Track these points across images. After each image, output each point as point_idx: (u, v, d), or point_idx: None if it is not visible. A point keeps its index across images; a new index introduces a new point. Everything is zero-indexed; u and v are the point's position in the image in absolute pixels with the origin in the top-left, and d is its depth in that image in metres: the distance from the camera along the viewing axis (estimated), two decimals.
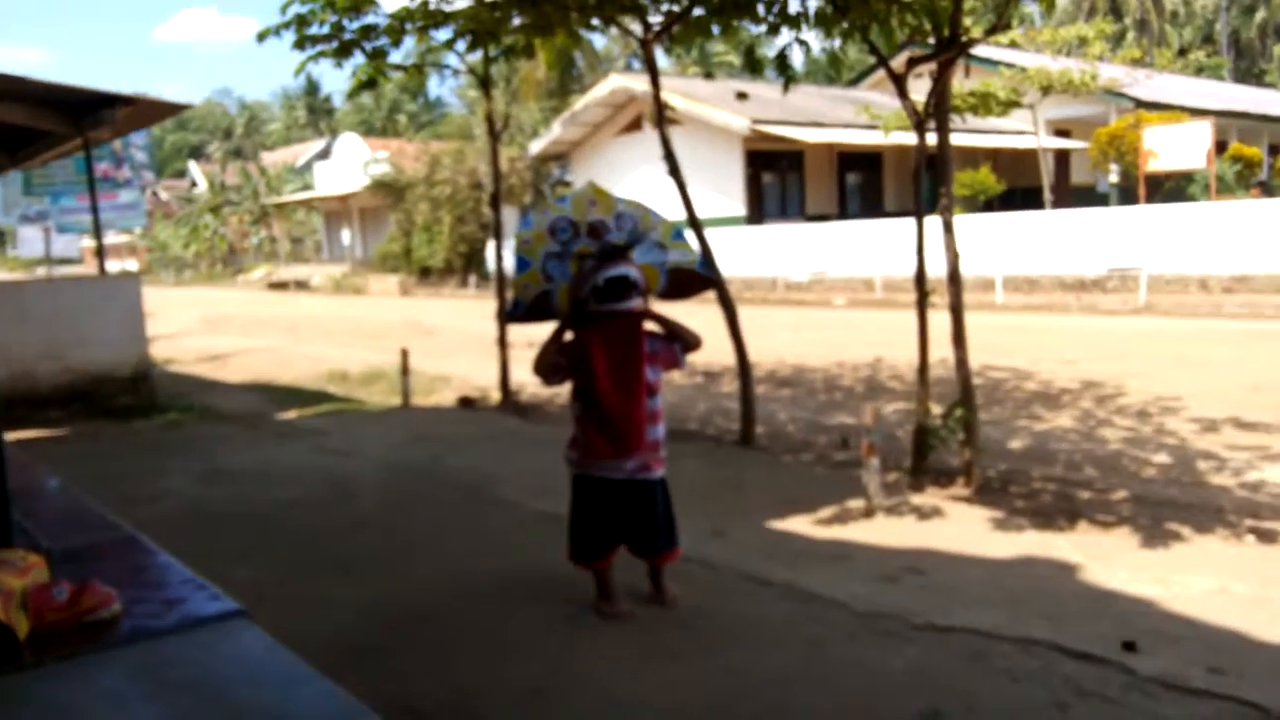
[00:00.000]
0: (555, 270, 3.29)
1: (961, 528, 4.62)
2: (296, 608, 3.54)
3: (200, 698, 2.21)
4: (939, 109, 5.67)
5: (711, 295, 6.76)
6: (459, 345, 13.53)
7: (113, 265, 13.26)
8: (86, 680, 2.32)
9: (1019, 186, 25.07)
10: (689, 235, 3.54)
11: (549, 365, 3.30)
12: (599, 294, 3.17)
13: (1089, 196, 25.07)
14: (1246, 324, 13.02)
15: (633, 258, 3.30)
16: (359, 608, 3.55)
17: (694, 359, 10.83)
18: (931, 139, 5.73)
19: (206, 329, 18.90)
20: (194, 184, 52.98)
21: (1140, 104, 24.43)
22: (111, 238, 37.34)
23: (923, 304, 5.78)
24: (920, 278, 5.78)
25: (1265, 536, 4.43)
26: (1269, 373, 9.02)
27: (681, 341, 3.44)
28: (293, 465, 6.05)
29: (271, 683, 2.31)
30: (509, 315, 3.30)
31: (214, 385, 11.17)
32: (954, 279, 5.66)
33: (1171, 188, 21.61)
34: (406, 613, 3.48)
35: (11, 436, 2.85)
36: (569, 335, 3.31)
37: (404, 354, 8.90)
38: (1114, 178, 23.39)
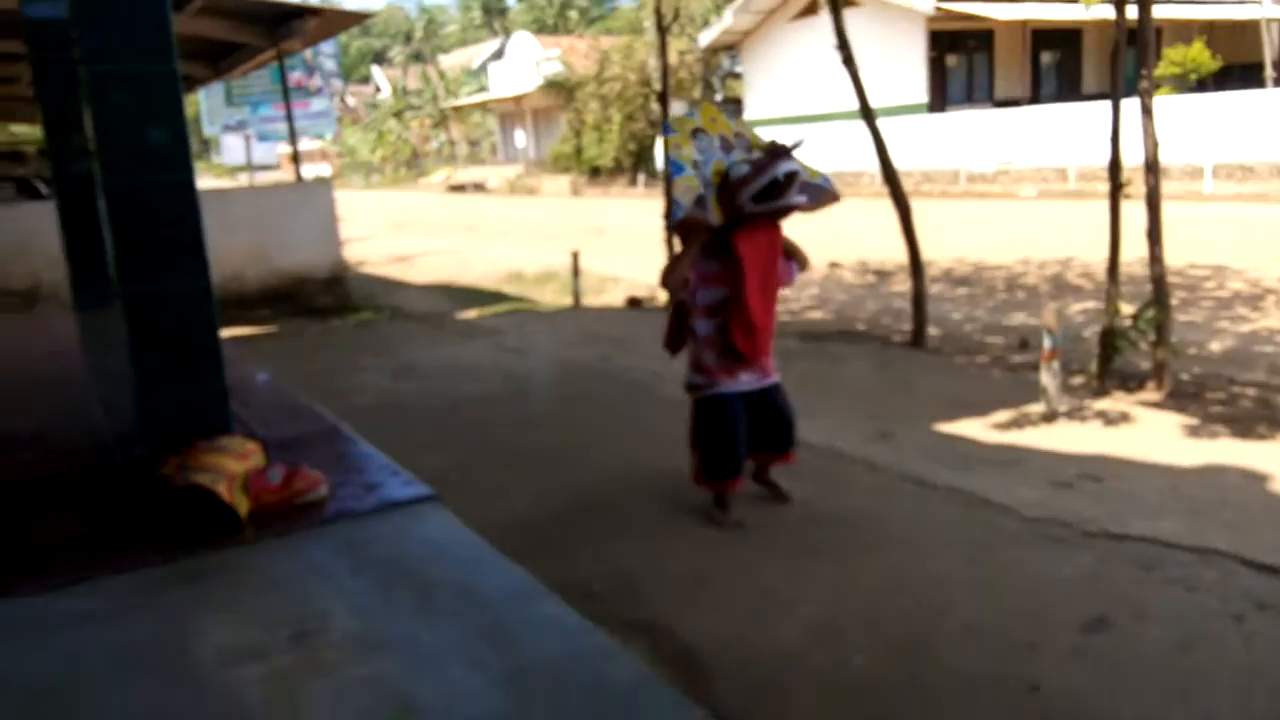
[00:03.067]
0: (701, 179, 3.25)
1: (1147, 434, 4.40)
2: (478, 495, 3.80)
3: (397, 573, 2.46)
4: None
5: (881, 191, 6.55)
6: (627, 244, 13.71)
7: (307, 171, 14.04)
8: (298, 554, 2.62)
9: (1237, 63, 22.54)
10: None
11: (680, 279, 3.29)
12: (769, 190, 3.13)
13: None
14: None
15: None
16: (533, 496, 3.77)
17: (867, 258, 10.61)
18: (1133, 13, 5.25)
19: (393, 231, 19.90)
20: (378, 89, 55.01)
21: None
22: (305, 144, 39.45)
23: (1115, 195, 5.41)
24: (1114, 167, 5.40)
25: None
26: None
27: (796, 260, 3.45)
28: (473, 362, 6.39)
29: (459, 561, 2.54)
30: (672, 220, 3.30)
31: (401, 286, 11.82)
32: (1152, 168, 5.25)
33: None
34: (577, 503, 3.68)
35: (225, 334, 3.17)
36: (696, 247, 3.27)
37: (574, 256, 9.12)
38: None
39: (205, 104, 23.99)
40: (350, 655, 2.08)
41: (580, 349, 6.69)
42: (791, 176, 3.15)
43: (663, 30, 8.75)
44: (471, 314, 8.81)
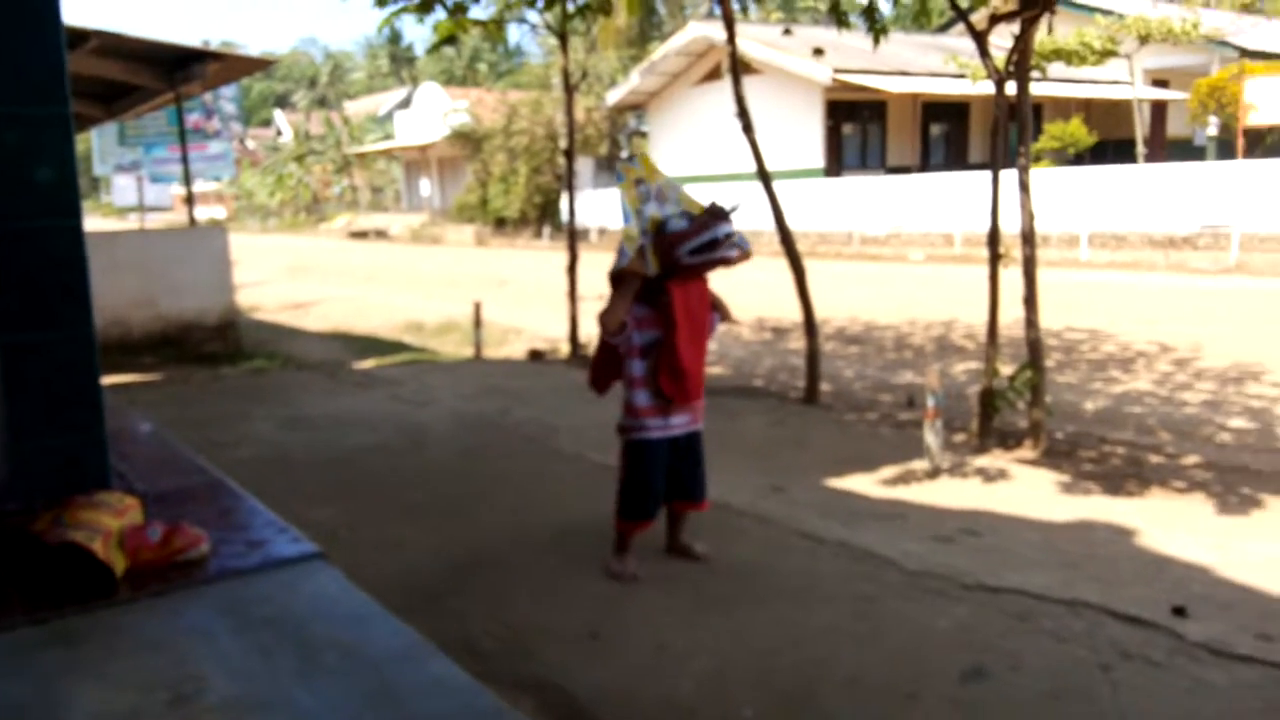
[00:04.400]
0: (640, 228, 3.38)
1: (1023, 490, 4.62)
2: (369, 550, 3.74)
3: (280, 633, 2.40)
4: (1020, 66, 5.55)
5: (778, 250, 6.79)
6: (531, 297, 13.74)
7: (201, 213, 13.72)
8: (176, 615, 2.53)
9: (1111, 139, 24.13)
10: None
11: (620, 322, 3.39)
12: (707, 248, 3.28)
13: (1185, 150, 24.01)
14: None
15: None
16: (426, 551, 3.73)
17: (764, 315, 10.80)
18: (1012, 90, 5.61)
19: (289, 277, 19.49)
20: (279, 133, 54.14)
21: (1245, 53, 23.17)
22: (200, 186, 38.45)
23: (994, 263, 5.72)
24: (993, 236, 5.71)
25: None
26: None
27: (720, 312, 3.62)
28: (369, 413, 6.29)
29: (344, 620, 2.49)
30: (617, 265, 3.39)
31: (296, 333, 11.57)
32: (1028, 239, 5.58)
33: (1273, 142, 20.58)
34: (470, 558, 3.65)
35: (107, 381, 3.07)
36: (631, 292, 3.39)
37: (476, 307, 9.10)
38: (1212, 131, 22.34)
39: (97, 142, 23.22)
40: (227, 719, 2.02)
41: (479, 401, 6.66)
42: (729, 237, 3.31)
43: (569, 88, 8.91)
44: (369, 363, 8.68)
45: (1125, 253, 17.08)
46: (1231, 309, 10.72)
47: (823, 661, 2.80)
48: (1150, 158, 21.97)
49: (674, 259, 3.30)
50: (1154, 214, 17.52)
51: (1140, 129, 22.08)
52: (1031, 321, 5.49)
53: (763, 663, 2.80)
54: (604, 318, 3.42)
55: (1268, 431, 5.69)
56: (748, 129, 7.00)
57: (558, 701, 2.58)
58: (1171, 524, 4.09)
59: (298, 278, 19.30)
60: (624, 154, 31.50)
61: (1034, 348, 5.44)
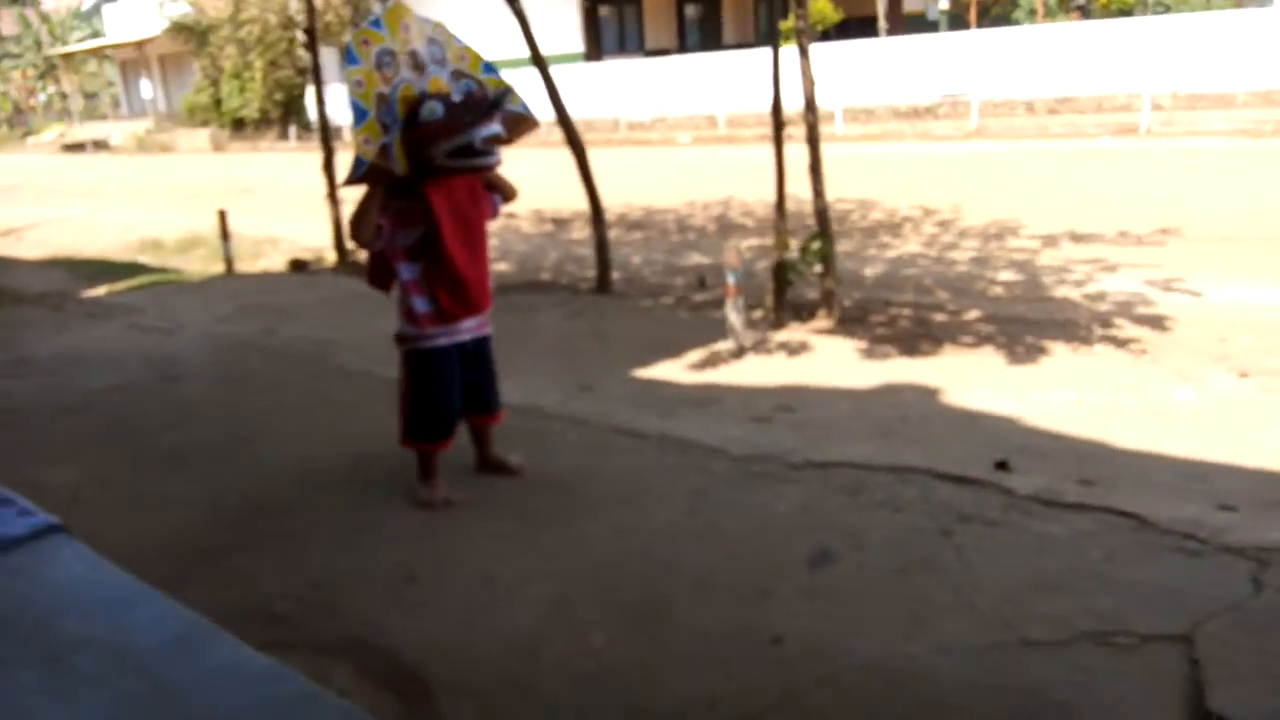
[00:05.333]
0: (387, 116, 2.82)
1: (827, 361, 4.60)
2: (122, 513, 3.16)
3: (15, 640, 1.87)
4: None
5: (553, 137, 6.37)
6: (284, 203, 12.59)
7: None
8: None
9: (854, 17, 24.93)
10: (503, 72, 3.10)
11: (371, 230, 2.90)
12: (466, 152, 2.79)
13: (921, 24, 25.21)
14: (1071, 143, 13.55)
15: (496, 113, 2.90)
16: (196, 506, 3.19)
17: (543, 205, 10.42)
18: None
19: None
20: None
21: None
22: None
23: (779, 136, 5.60)
24: (776, 109, 5.58)
25: (1114, 344, 4.61)
26: (1095, 189, 9.40)
27: (502, 192, 3.14)
28: (107, 348, 5.43)
29: (100, 608, 1.98)
30: (352, 176, 2.83)
31: (8, 264, 10.01)
32: (810, 107, 5.49)
33: (999, 14, 21.95)
34: (251, 507, 3.16)
35: None
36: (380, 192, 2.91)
37: (221, 216, 8.12)
38: (944, 4, 23.54)
39: None
40: None
41: (238, 322, 5.92)
42: (493, 140, 2.83)
43: None
44: (100, 291, 7.57)
45: (875, 125, 17.84)
46: (978, 171, 11.38)
47: (668, 566, 2.60)
48: (891, 32, 22.90)
49: (429, 157, 2.81)
50: (899, 87, 18.33)
51: (881, 4, 22.92)
52: (818, 191, 5.45)
53: (605, 578, 2.56)
54: (353, 226, 2.93)
55: (1034, 282, 6.01)
56: (514, 3, 6.45)
57: (377, 663, 2.22)
58: (970, 379, 4.19)
59: (6, 200, 16.80)
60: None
61: (821, 217, 5.42)
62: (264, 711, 1.63)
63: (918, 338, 4.90)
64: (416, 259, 2.96)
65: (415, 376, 3.08)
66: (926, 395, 4.03)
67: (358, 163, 2.77)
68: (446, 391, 3.07)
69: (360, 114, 2.76)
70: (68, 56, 38.66)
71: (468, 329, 3.07)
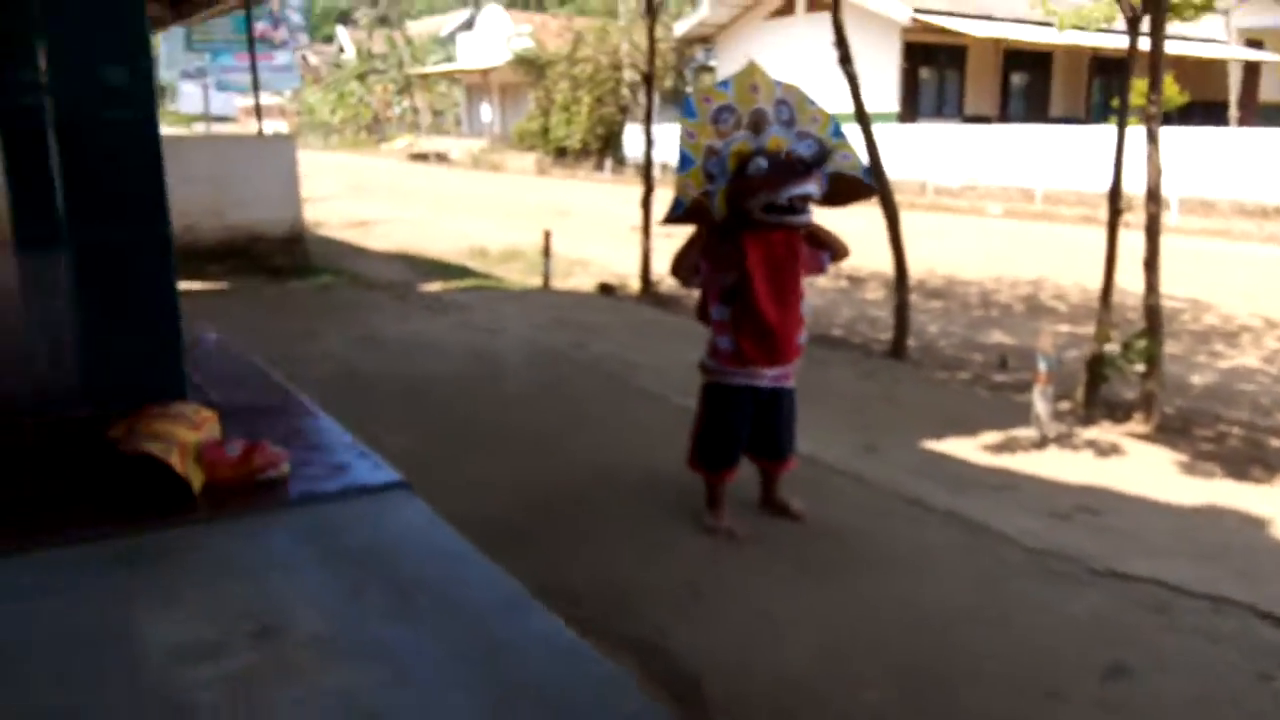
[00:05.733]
0: (715, 168, 3.02)
1: (1139, 468, 4.29)
2: (448, 482, 3.54)
3: (369, 568, 2.19)
4: (1155, 4, 5.08)
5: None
6: (595, 230, 13.43)
7: (265, 126, 13.42)
8: (256, 539, 2.33)
9: (1201, 100, 22.94)
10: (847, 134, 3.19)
11: (689, 269, 3.12)
12: (774, 209, 2.94)
13: (1278, 116, 22.79)
14: None
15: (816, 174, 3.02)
16: (508, 489, 3.52)
17: (840, 263, 10.40)
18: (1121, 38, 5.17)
19: (352, 195, 19.35)
20: (342, 50, 53.72)
21: None
22: (264, 99, 38.30)
23: (1114, 221, 5.31)
24: (1115, 191, 5.29)
25: None
26: None
27: (830, 250, 3.22)
28: (441, 339, 6.09)
29: (437, 559, 2.27)
30: (670, 216, 3.07)
31: (360, 252, 11.41)
32: (1154, 197, 5.17)
33: None
34: (555, 499, 3.44)
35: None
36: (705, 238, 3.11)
37: (546, 235, 8.83)
38: None
39: (164, 47, 23.11)
40: (320, 660, 1.82)
41: (552, 333, 6.43)
42: (803, 199, 2.95)
43: (652, 8, 8.49)
44: (436, 287, 8.47)
45: (1216, 220, 16.27)
46: None
47: (948, 645, 2.55)
48: (1243, 122, 20.87)
49: (747, 209, 2.96)
50: (1247, 182, 16.65)
51: (1233, 91, 20.96)
52: (1152, 286, 5.12)
53: (880, 639, 2.56)
54: (675, 261, 3.16)
55: None
56: (845, 60, 6.58)
57: (660, 665, 2.36)
58: None
59: (360, 196, 19.15)
60: (689, 89, 30.80)
61: (1153, 314, 5.07)
62: (574, 684, 1.81)
63: (1249, 460, 4.45)
64: (728, 302, 3.13)
65: (708, 407, 3.26)
66: (1255, 525, 3.66)
67: (676, 204, 3.00)
68: (734, 428, 3.22)
69: (686, 161, 2.99)
70: (423, 76, 43.52)
71: (768, 376, 3.20)
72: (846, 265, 10.28)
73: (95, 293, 2.69)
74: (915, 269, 10.20)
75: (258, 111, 10.07)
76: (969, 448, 4.45)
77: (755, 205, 2.94)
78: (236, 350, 3.87)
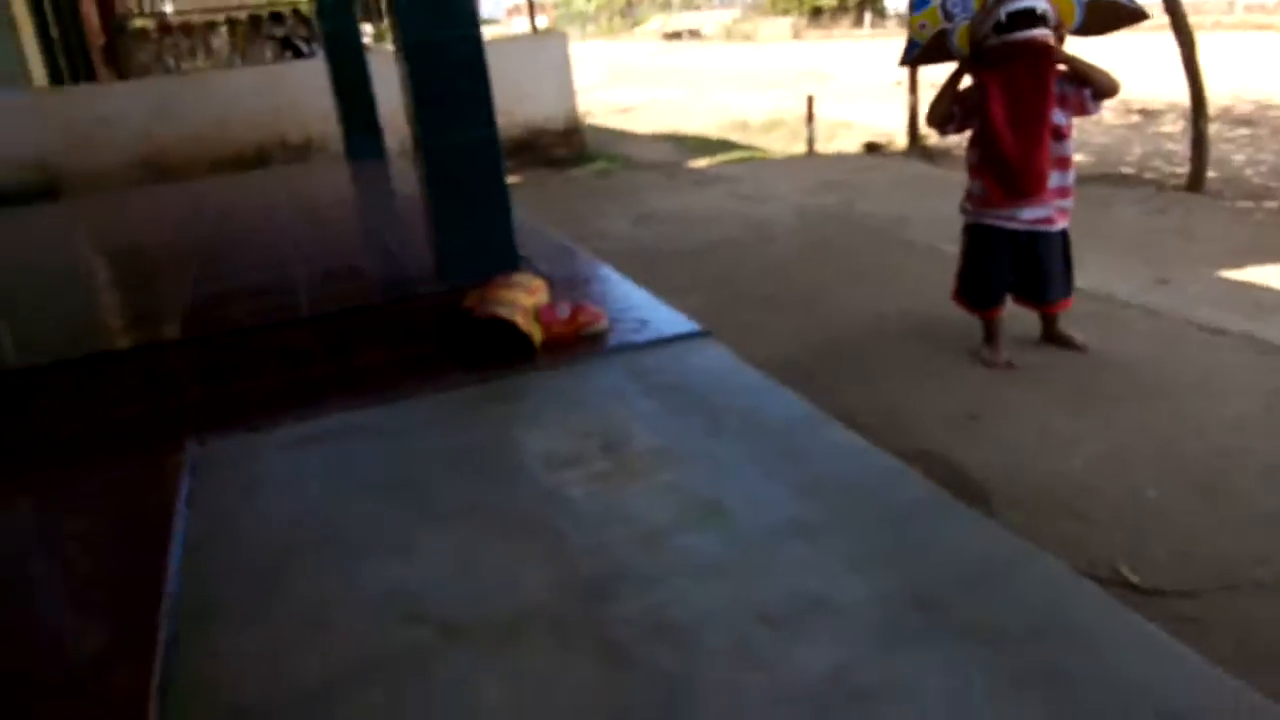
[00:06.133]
0: (955, 6, 3.07)
1: None
2: (733, 333, 3.91)
3: (684, 399, 2.63)
4: None
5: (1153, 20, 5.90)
6: (856, 90, 13.13)
7: (525, 23, 14.11)
8: (591, 379, 2.84)
9: None
10: None
11: (943, 115, 3.21)
12: (1000, 28, 2.97)
13: None
14: None
15: None
16: (788, 337, 3.86)
17: (1131, 95, 9.68)
18: None
19: (613, 82, 19.94)
20: None
21: None
22: None
23: None
24: None
25: None
26: None
27: (1093, 86, 3.12)
28: (711, 209, 6.46)
29: (740, 390, 2.68)
30: (905, 58, 3.18)
31: (628, 136, 11.94)
32: None
33: None
34: (833, 345, 3.74)
35: None
36: (965, 80, 3.17)
37: (809, 101, 8.87)
38: None
39: None
40: (655, 465, 2.27)
41: (819, 195, 6.60)
42: (1021, 15, 2.94)
43: None
44: (703, 162, 8.82)
45: None
46: None
47: (1234, 451, 2.64)
48: None
49: (979, 42, 2.99)
50: None
51: None
52: None
53: (1162, 449, 2.69)
54: (930, 109, 3.27)
55: None
56: None
57: (943, 472, 2.64)
58: None
59: (620, 82, 19.71)
60: None
61: None
62: (863, 475, 2.15)
63: None
64: (976, 146, 3.23)
65: (966, 246, 3.42)
66: None
67: (911, 45, 3.09)
68: (990, 268, 3.35)
69: (920, 1, 3.05)
70: None
71: (1021, 219, 3.25)
72: (1139, 98, 9.54)
73: (442, 190, 3.25)
74: (1219, 95, 9.26)
75: (530, 10, 10.70)
76: (1274, 273, 4.24)
77: (983, 32, 3.01)
78: (546, 231, 4.44)
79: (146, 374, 2.89)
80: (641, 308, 3.35)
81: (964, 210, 3.43)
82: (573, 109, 9.83)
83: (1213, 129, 7.48)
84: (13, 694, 1.65)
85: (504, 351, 3.00)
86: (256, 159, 8.61)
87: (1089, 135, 8.36)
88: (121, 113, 8.41)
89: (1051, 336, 3.51)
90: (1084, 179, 6.27)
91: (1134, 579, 2.10)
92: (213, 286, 3.44)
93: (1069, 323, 3.50)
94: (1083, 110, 3.21)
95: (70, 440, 2.74)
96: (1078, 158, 7.39)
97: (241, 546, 2.10)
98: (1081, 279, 3.87)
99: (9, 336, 3.21)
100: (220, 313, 3.14)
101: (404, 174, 5.55)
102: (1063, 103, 3.15)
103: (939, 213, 5.49)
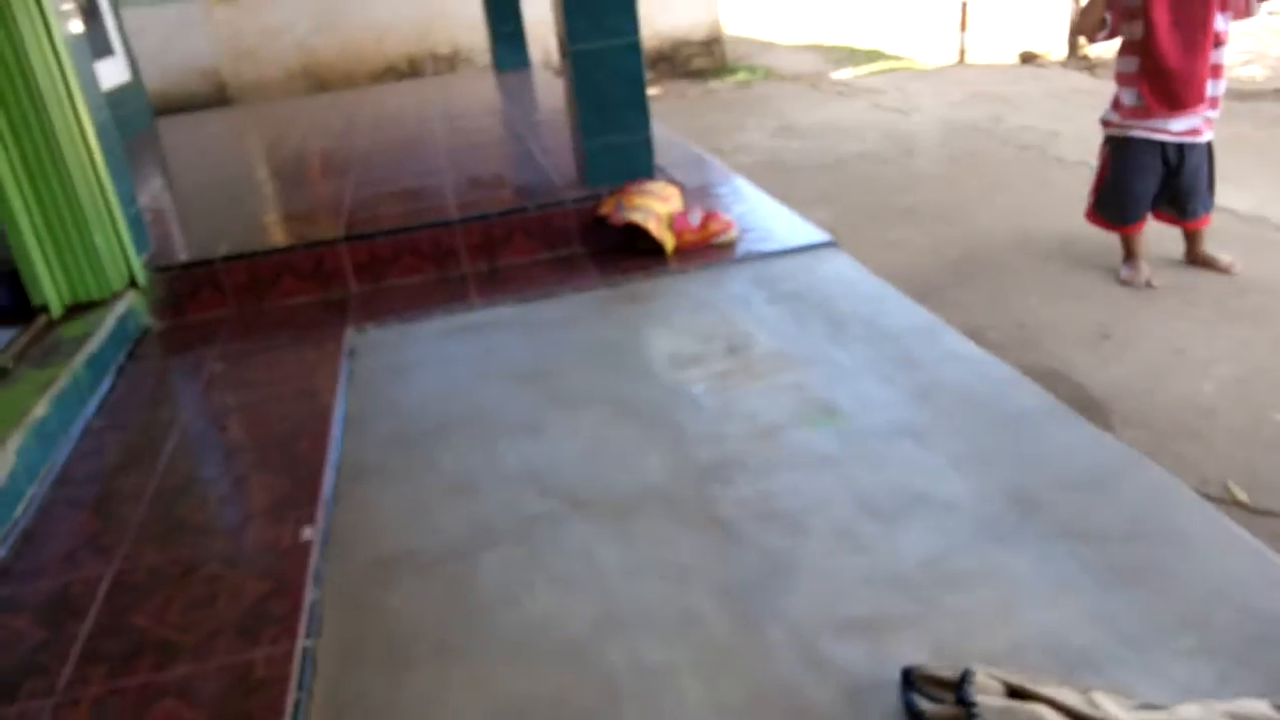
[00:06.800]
0: None
1: None
2: (867, 245, 3.95)
3: (808, 305, 2.72)
4: None
5: None
6: None
7: None
8: (719, 285, 2.96)
9: None
10: None
11: (1094, 21, 3.10)
12: None
13: None
14: None
15: None
16: (922, 249, 3.85)
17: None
18: None
19: None
20: None
21: None
22: None
23: None
24: None
25: None
26: None
27: None
28: (853, 122, 6.35)
29: (863, 298, 2.75)
30: None
31: (770, 47, 11.70)
32: None
33: None
34: (968, 259, 3.71)
35: None
36: None
37: (963, 6, 8.49)
38: None
39: None
40: (776, 367, 2.39)
41: (967, 108, 6.39)
42: None
43: None
44: (847, 73, 8.62)
45: None
46: None
47: None
48: None
49: None
50: None
51: None
52: None
53: None
54: (1081, 18, 3.15)
55: None
56: None
57: (1066, 389, 2.65)
58: None
59: None
60: None
61: None
62: (978, 383, 2.21)
63: None
64: (1133, 54, 3.11)
65: (1109, 161, 3.30)
66: None
67: None
68: (1134, 183, 3.24)
69: None
70: None
71: (1172, 131, 3.14)
72: None
73: (587, 97, 3.36)
74: None
75: None
76: None
77: None
78: (682, 143, 4.51)
79: (315, 267, 3.17)
80: (772, 218, 3.42)
81: (1108, 122, 3.31)
82: (714, 20, 9.71)
83: None
84: (194, 538, 1.94)
85: (639, 255, 3.15)
86: (408, 70, 8.92)
87: (1267, 45, 7.72)
88: (286, 25, 8.84)
89: (1195, 257, 3.39)
90: (1258, 94, 5.87)
91: (1242, 497, 2.10)
92: (370, 190, 3.70)
93: (1217, 244, 3.37)
94: (1246, 12, 3.06)
95: (248, 323, 3.06)
96: (1253, 71, 6.89)
97: (394, 421, 2.35)
98: (1240, 201, 3.72)
99: (198, 230, 3.56)
100: (377, 214, 3.39)
101: (547, 84, 5.68)
102: (1224, 5, 3.01)
103: (1093, 127, 5.25)
